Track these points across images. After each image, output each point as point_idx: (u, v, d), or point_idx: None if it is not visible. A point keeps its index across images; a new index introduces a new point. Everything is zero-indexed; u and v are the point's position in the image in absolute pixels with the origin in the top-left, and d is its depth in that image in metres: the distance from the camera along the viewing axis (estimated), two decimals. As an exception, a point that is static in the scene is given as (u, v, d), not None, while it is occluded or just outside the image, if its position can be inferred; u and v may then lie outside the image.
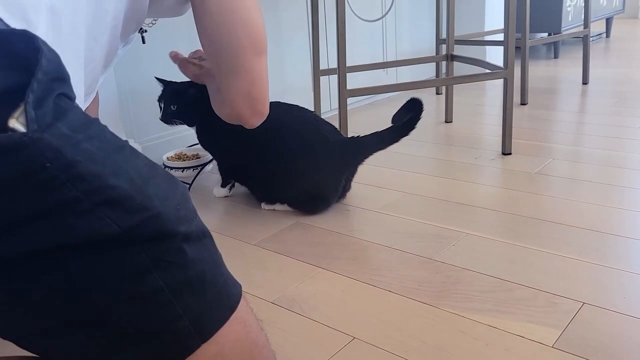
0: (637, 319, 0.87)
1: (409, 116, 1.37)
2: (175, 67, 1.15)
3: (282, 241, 1.22)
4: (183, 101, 1.42)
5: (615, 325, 0.86)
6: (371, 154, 1.38)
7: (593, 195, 1.35)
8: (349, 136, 1.39)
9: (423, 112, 1.38)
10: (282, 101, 1.43)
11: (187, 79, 1.21)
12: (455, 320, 0.90)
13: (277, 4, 2.02)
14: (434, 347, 0.84)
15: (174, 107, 1.42)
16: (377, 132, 1.37)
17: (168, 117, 1.43)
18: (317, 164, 1.32)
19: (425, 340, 0.86)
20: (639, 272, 1.00)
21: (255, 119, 0.85)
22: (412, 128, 1.39)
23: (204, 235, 0.48)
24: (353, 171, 1.38)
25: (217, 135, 1.42)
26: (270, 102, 1.47)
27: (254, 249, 1.20)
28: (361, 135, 1.36)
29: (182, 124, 1.45)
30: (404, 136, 1.38)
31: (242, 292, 0.52)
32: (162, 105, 1.44)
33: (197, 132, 1.46)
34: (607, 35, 4.02)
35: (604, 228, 1.18)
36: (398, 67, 2.56)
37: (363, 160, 1.38)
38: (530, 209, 1.30)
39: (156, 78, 1.46)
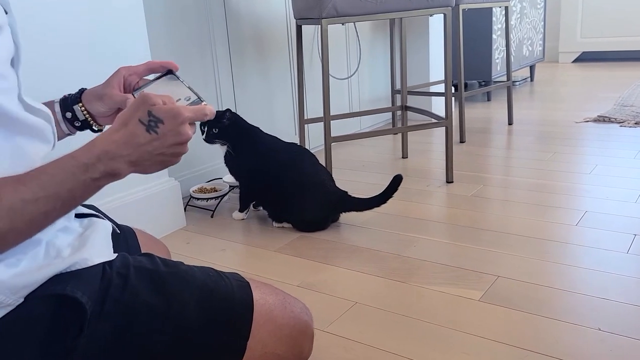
0: (531, 284, 1.40)
1: (387, 190, 1.77)
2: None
3: (294, 248, 1.72)
4: (221, 125, 1.83)
5: (518, 289, 1.39)
6: (353, 211, 1.84)
7: (514, 210, 1.90)
8: (341, 189, 1.84)
9: (401, 183, 1.77)
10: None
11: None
12: (418, 289, 1.42)
13: (268, 64, 2.53)
14: (407, 305, 1.35)
15: (215, 130, 1.83)
16: (362, 198, 1.81)
17: (210, 138, 1.84)
18: (316, 204, 1.81)
19: (401, 301, 1.37)
20: (545, 260, 1.54)
21: None
22: (387, 200, 1.77)
23: None
24: (339, 214, 1.87)
25: (244, 157, 1.84)
26: (288, 142, 1.91)
27: (274, 254, 1.69)
28: (349, 193, 1.82)
29: (222, 144, 1.84)
30: (381, 204, 1.78)
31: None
32: (205, 129, 1.83)
33: (227, 154, 1.87)
34: (532, 80, 4.73)
35: (523, 232, 1.72)
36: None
37: (346, 212, 1.86)
38: (467, 221, 1.84)
39: None
